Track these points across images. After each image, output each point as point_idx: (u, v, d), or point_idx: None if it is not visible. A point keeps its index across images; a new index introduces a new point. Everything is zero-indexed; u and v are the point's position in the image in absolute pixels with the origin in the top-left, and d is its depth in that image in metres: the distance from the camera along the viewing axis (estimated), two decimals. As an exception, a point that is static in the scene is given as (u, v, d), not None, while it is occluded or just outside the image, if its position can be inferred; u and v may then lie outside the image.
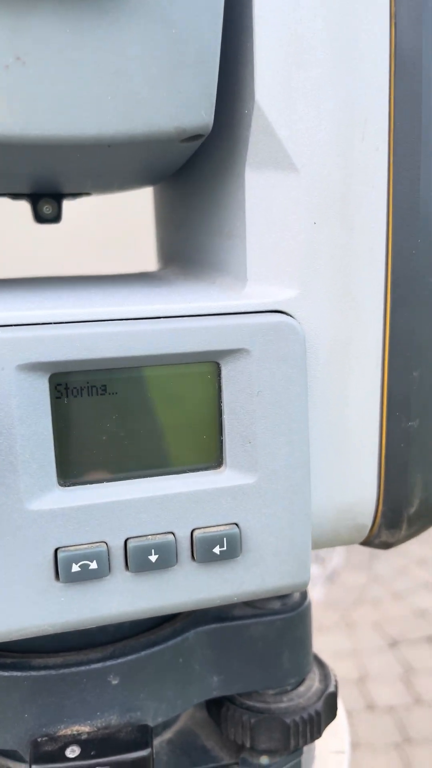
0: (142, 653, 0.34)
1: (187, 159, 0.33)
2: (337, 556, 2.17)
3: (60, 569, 0.28)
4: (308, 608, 0.38)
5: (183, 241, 0.40)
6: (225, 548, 0.29)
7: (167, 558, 0.29)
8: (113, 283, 0.35)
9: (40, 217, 0.37)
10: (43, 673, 0.33)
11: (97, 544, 0.28)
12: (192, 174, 0.36)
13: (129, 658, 0.34)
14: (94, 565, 0.28)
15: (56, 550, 0.28)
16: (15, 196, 0.37)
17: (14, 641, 0.35)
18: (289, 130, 0.29)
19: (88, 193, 0.38)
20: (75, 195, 0.38)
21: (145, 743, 0.33)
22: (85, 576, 0.28)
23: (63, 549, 0.28)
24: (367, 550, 2.23)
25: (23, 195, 0.37)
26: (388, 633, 1.81)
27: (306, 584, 0.31)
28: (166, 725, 0.41)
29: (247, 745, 0.37)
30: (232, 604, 0.38)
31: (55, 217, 0.37)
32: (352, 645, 1.72)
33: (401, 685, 1.61)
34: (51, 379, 0.28)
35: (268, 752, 0.38)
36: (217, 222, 0.33)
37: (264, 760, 0.38)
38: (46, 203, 0.36)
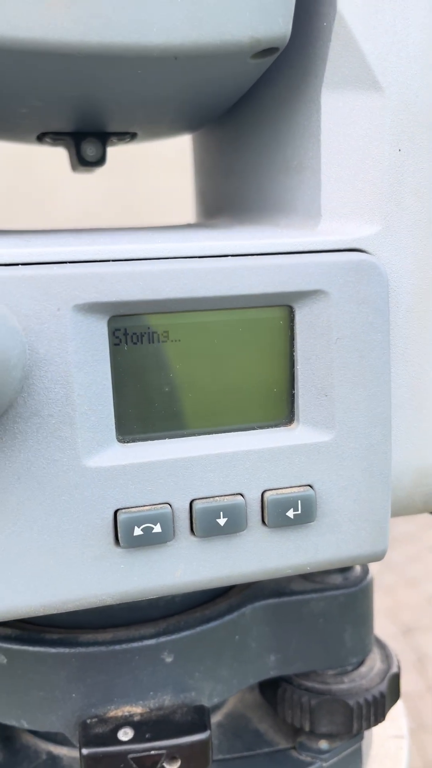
0: (197, 629, 0.32)
1: (251, 85, 0.29)
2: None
3: (120, 533, 0.25)
4: (371, 583, 0.36)
5: (234, 188, 0.36)
6: (299, 512, 0.26)
7: (237, 522, 0.26)
8: (168, 230, 0.32)
9: (82, 159, 0.34)
10: (92, 649, 0.31)
11: (161, 506, 0.25)
12: (250, 108, 0.33)
13: (183, 634, 0.31)
14: (157, 529, 0.25)
15: (116, 512, 0.25)
16: (56, 137, 0.34)
17: (59, 616, 0.32)
18: (373, 43, 0.26)
19: (134, 134, 0.35)
20: (121, 135, 0.34)
21: (203, 725, 0.30)
22: (148, 540, 0.25)
23: (124, 510, 0.25)
24: (380, 537, 2.21)
25: (65, 135, 0.34)
26: (401, 620, 1.79)
27: (383, 554, 0.29)
28: (215, 707, 0.38)
29: (306, 728, 0.35)
30: (290, 578, 0.35)
31: (99, 160, 0.34)
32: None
33: (415, 673, 1.60)
34: (110, 323, 0.25)
35: (329, 736, 0.35)
36: (283, 157, 0.30)
37: (323, 744, 0.35)
38: (90, 143, 0.33)
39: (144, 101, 0.29)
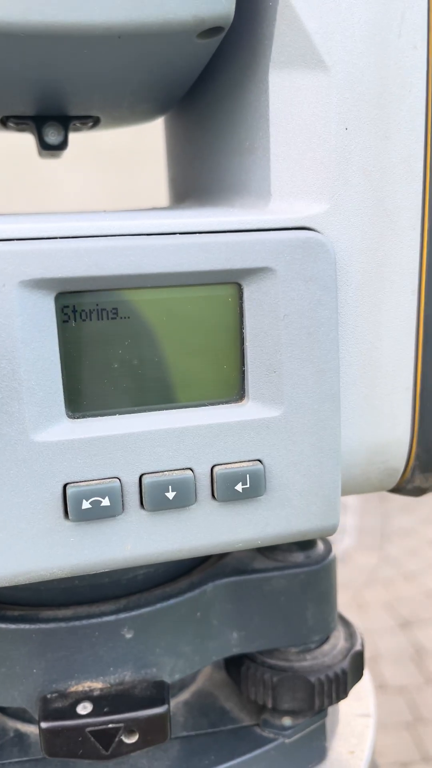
0: (158, 606, 0.32)
1: (203, 68, 0.30)
2: (347, 537, 2.16)
3: (69, 506, 0.25)
4: (333, 562, 0.36)
5: (198, 173, 0.37)
6: (248, 486, 0.27)
7: (185, 496, 0.26)
8: (123, 212, 0.33)
9: (45, 144, 0.34)
10: (52, 625, 0.31)
11: (110, 480, 0.26)
12: (208, 92, 0.33)
13: (143, 610, 0.32)
14: (106, 502, 0.26)
15: (65, 486, 0.25)
16: (19, 122, 0.34)
17: (22, 594, 0.33)
18: (318, 22, 0.26)
19: (96, 119, 0.36)
20: (82, 119, 0.35)
21: (162, 700, 0.31)
22: (97, 514, 0.26)
23: (72, 485, 0.25)
24: (377, 531, 2.22)
25: (27, 119, 0.34)
26: (399, 613, 1.79)
27: (335, 528, 0.29)
28: (182, 686, 0.39)
29: (269, 705, 0.35)
30: (252, 557, 0.36)
31: (61, 144, 0.34)
32: (364, 625, 1.70)
33: (412, 666, 1.60)
34: (57, 300, 0.25)
35: (291, 713, 0.36)
36: (237, 139, 0.30)
37: (286, 721, 0.35)
38: (51, 127, 0.34)
39: (98, 83, 0.30)
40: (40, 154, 0.38)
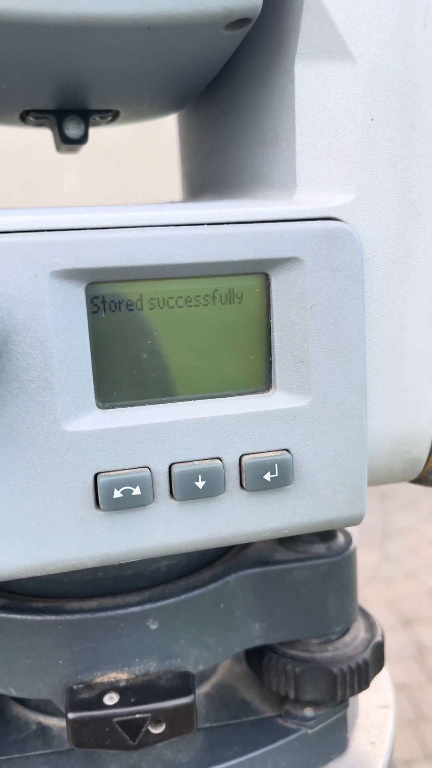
0: (182, 597, 0.32)
1: (230, 61, 0.30)
2: (348, 535, 2.15)
3: (100, 496, 0.25)
4: (354, 553, 0.36)
5: (216, 167, 0.37)
6: (276, 475, 0.27)
7: (215, 485, 0.26)
8: (147, 205, 0.33)
9: (65, 138, 0.34)
10: (78, 617, 0.31)
11: (140, 469, 0.26)
12: (228, 85, 0.33)
13: (168, 601, 0.32)
14: (137, 492, 0.26)
15: (96, 476, 0.26)
16: (38, 116, 0.34)
17: (46, 586, 0.33)
18: (345, 13, 0.26)
19: (116, 113, 0.36)
20: (102, 113, 0.35)
21: (188, 690, 0.31)
22: (128, 503, 0.26)
23: (103, 474, 0.26)
24: (378, 530, 2.22)
25: (48, 113, 0.34)
26: (400, 611, 1.80)
27: (361, 517, 0.29)
28: (203, 678, 0.39)
29: (291, 696, 0.35)
30: (274, 548, 0.36)
31: (81, 137, 0.35)
32: (367, 622, 1.70)
33: (414, 664, 1.60)
34: (88, 290, 0.25)
35: (313, 704, 0.36)
36: (260, 131, 0.31)
37: (309, 712, 0.36)
38: (72, 120, 0.34)
39: (122, 75, 0.30)
40: (58, 148, 0.38)
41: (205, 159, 0.39)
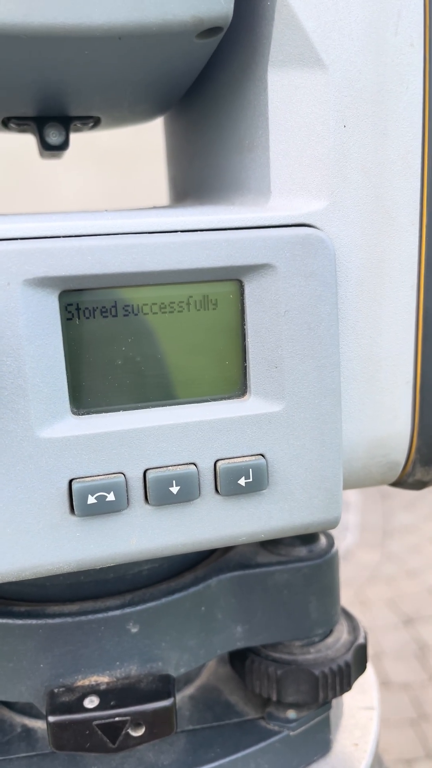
0: (162, 600, 0.32)
1: (202, 68, 0.30)
2: (350, 534, 2.16)
3: (75, 501, 0.26)
4: (335, 556, 0.36)
5: (198, 172, 0.37)
6: (251, 480, 0.27)
7: (189, 490, 0.27)
8: (124, 211, 0.33)
9: (46, 144, 0.35)
10: (58, 620, 0.31)
11: (115, 475, 0.26)
12: (207, 92, 0.34)
13: (148, 605, 0.32)
14: (111, 497, 0.26)
15: (71, 482, 0.26)
16: (20, 123, 0.35)
17: (28, 590, 0.33)
18: (315, 21, 0.26)
19: (97, 119, 0.36)
20: (83, 120, 0.35)
21: (167, 693, 0.31)
22: (102, 509, 0.26)
23: (78, 480, 0.26)
24: (379, 528, 2.22)
25: (29, 120, 0.34)
26: (402, 610, 1.80)
27: (337, 521, 0.29)
28: (187, 680, 0.39)
29: (274, 698, 0.35)
30: (256, 551, 0.36)
31: (62, 144, 0.35)
32: (367, 622, 1.70)
33: (416, 662, 1.60)
34: (61, 298, 0.25)
35: (296, 706, 0.36)
36: (237, 138, 0.31)
37: (291, 714, 0.36)
38: (53, 127, 0.34)
39: (98, 84, 0.30)
40: (41, 154, 0.39)
41: (188, 163, 0.39)
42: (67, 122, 0.35)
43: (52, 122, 0.34)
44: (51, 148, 0.35)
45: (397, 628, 1.72)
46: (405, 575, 1.96)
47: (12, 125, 0.35)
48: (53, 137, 0.34)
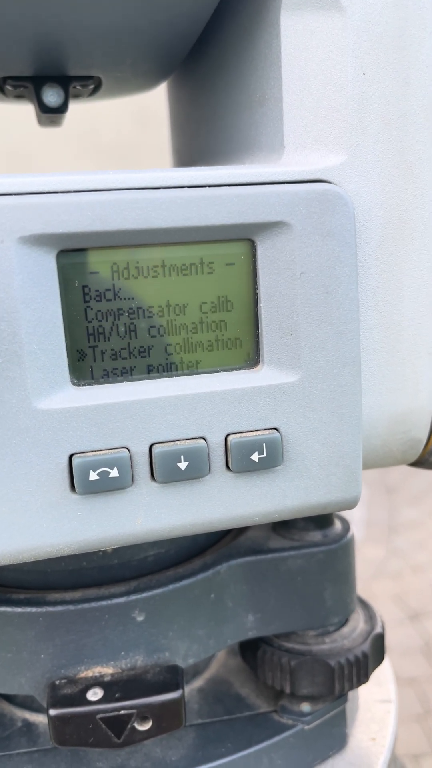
0: (170, 587, 0.31)
1: (208, 18, 0.28)
2: (355, 529, 2.14)
3: (76, 478, 0.24)
4: (351, 541, 0.35)
5: (205, 137, 0.35)
6: (264, 455, 0.25)
7: (198, 466, 0.25)
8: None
9: (44, 106, 0.33)
10: (60, 608, 0.30)
11: (118, 450, 0.24)
12: (213, 50, 0.32)
13: (155, 592, 0.30)
14: (114, 473, 0.24)
15: (71, 457, 0.24)
16: (17, 83, 0.33)
17: (28, 577, 0.31)
18: None
19: (97, 82, 0.34)
20: (83, 81, 0.33)
21: (176, 684, 0.29)
22: (105, 486, 0.24)
23: (79, 455, 0.24)
24: (385, 524, 2.20)
25: (26, 80, 0.33)
26: (408, 606, 1.78)
27: (356, 501, 0.27)
28: (196, 672, 0.37)
29: (287, 690, 0.33)
30: (267, 536, 0.34)
31: (61, 106, 0.33)
32: (374, 617, 1.68)
33: (422, 658, 1.59)
34: (59, 258, 0.23)
35: (310, 698, 0.34)
36: (247, 93, 0.29)
37: (305, 706, 0.34)
38: (51, 87, 0.32)
39: (99, 35, 0.28)
40: (39, 121, 0.37)
41: (194, 131, 0.37)
42: (66, 83, 0.33)
43: (50, 82, 0.32)
44: (49, 111, 0.33)
45: (403, 624, 1.70)
46: (411, 571, 1.94)
47: (8, 87, 0.33)
48: (51, 97, 0.32)
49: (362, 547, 2.04)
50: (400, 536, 2.12)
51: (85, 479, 0.24)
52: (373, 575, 1.90)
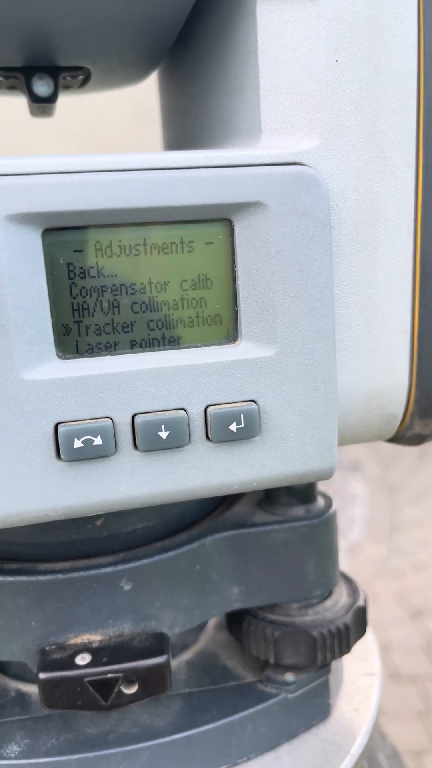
0: (156, 558, 0.32)
1: (191, 7, 0.29)
2: (357, 528, 2.15)
3: (61, 446, 0.25)
4: (333, 516, 0.36)
5: (190, 125, 0.36)
6: (242, 425, 0.27)
7: (179, 435, 0.26)
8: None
9: (34, 96, 0.34)
10: (49, 577, 0.31)
11: (102, 420, 0.25)
12: (197, 41, 0.33)
13: (142, 562, 0.31)
14: (98, 441, 0.25)
15: (56, 426, 0.25)
16: (8, 75, 0.34)
17: (19, 549, 0.32)
18: None
19: (86, 73, 0.35)
20: (72, 72, 0.34)
21: (161, 650, 0.30)
22: (89, 453, 0.25)
23: (64, 424, 0.25)
24: (387, 522, 2.21)
25: (16, 71, 0.34)
26: (410, 604, 1.78)
27: (332, 471, 0.28)
28: (184, 646, 0.38)
29: (271, 660, 0.35)
30: (252, 512, 0.35)
31: (51, 96, 0.34)
32: (375, 616, 1.69)
33: (424, 656, 1.59)
34: (44, 236, 0.25)
35: (294, 668, 0.35)
36: (227, 81, 0.30)
37: (289, 676, 0.35)
38: (41, 78, 0.33)
39: (85, 26, 0.29)
40: (31, 111, 0.38)
41: (181, 121, 0.38)
42: (55, 73, 0.34)
43: (40, 73, 0.34)
44: (39, 100, 0.34)
45: (405, 622, 1.71)
46: (412, 569, 1.95)
47: (0, 78, 0.35)
48: (41, 87, 0.34)
49: (364, 545, 2.05)
50: (402, 535, 2.12)
51: (70, 447, 0.25)
52: (375, 574, 1.91)
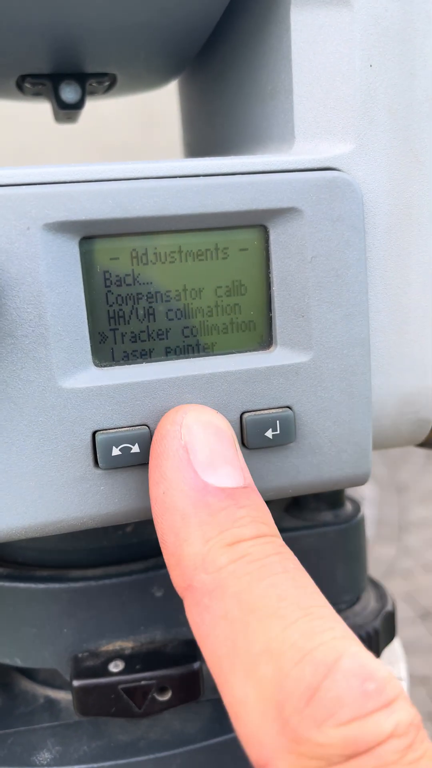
0: None
1: (221, 13, 0.29)
2: (366, 528, 2.14)
3: (99, 453, 0.25)
4: (362, 521, 0.36)
5: (217, 130, 0.36)
6: (278, 432, 0.26)
7: None
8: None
9: (62, 102, 0.34)
10: (81, 584, 0.31)
11: (139, 427, 0.25)
12: (225, 46, 0.33)
13: None
14: (136, 449, 0.25)
15: (94, 434, 0.25)
16: (36, 82, 0.34)
17: (51, 557, 0.33)
18: None
19: (113, 79, 0.35)
20: (99, 78, 0.34)
21: (194, 657, 0.30)
22: (127, 461, 0.25)
23: (102, 432, 0.25)
24: (395, 523, 2.20)
25: (44, 78, 0.34)
26: (419, 604, 1.78)
27: (367, 477, 0.28)
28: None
29: (301, 666, 0.34)
30: (280, 517, 0.35)
31: (78, 102, 0.34)
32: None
33: (434, 656, 1.59)
34: (82, 244, 0.25)
35: (324, 674, 0.35)
36: (258, 87, 0.30)
37: (319, 682, 0.35)
38: (69, 85, 0.33)
39: (115, 33, 0.29)
40: (56, 117, 0.38)
41: (205, 124, 0.38)
42: (82, 80, 0.34)
43: (67, 80, 0.34)
44: (66, 107, 0.34)
45: (414, 623, 1.71)
46: (422, 569, 1.94)
47: (27, 85, 0.35)
48: (69, 94, 0.34)
49: (373, 546, 2.04)
50: (411, 535, 2.12)
51: (108, 454, 0.25)
52: (384, 574, 1.90)
